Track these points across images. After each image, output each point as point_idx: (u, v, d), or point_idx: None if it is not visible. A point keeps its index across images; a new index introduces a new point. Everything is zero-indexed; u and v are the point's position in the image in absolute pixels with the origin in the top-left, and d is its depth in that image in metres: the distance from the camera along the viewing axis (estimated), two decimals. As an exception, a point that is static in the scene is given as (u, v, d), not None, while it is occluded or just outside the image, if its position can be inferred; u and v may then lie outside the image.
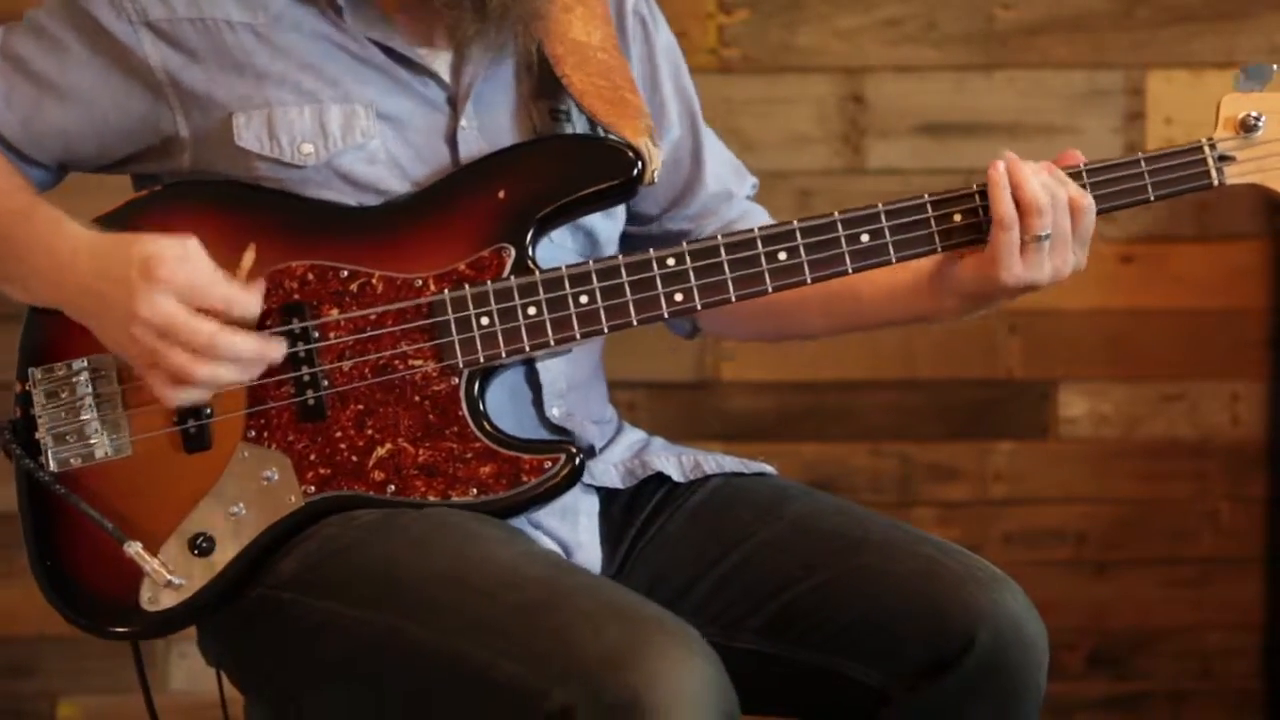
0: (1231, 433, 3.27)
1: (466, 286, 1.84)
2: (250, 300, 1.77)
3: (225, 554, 1.82)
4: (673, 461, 2.01)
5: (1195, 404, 3.26)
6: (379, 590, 1.74)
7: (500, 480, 1.83)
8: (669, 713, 1.57)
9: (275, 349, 1.79)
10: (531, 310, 1.84)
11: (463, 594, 1.69)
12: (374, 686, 1.74)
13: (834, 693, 1.85)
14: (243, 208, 1.86)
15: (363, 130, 1.87)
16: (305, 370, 1.84)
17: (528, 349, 1.84)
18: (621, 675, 1.57)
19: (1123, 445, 3.27)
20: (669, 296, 1.84)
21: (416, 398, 1.84)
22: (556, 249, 1.92)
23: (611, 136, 1.90)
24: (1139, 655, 3.31)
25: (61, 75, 1.89)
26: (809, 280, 1.85)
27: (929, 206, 1.86)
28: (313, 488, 1.83)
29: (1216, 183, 1.88)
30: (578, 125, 1.95)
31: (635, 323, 1.84)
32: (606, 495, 1.99)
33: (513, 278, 1.84)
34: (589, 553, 1.94)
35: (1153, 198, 1.88)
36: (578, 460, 1.84)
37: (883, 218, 1.86)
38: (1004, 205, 1.82)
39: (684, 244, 1.85)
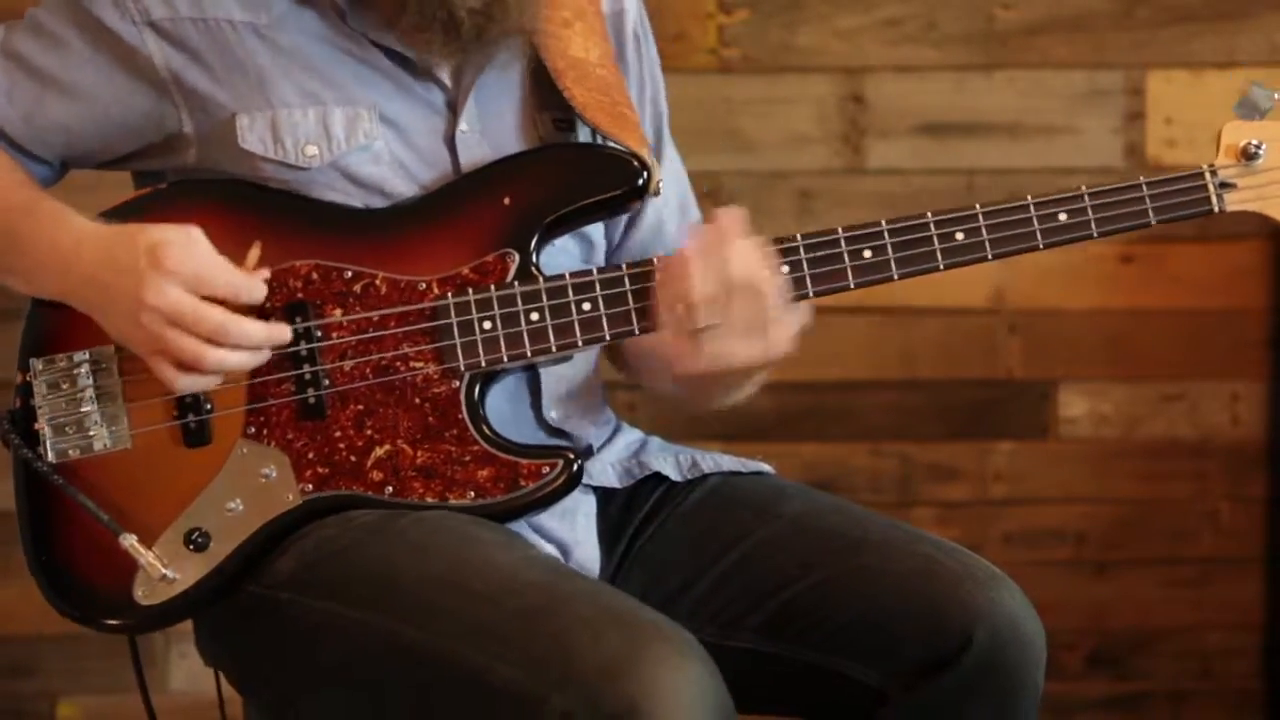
0: (1231, 433, 3.27)
1: (470, 290, 1.84)
2: (256, 286, 1.78)
3: (221, 550, 1.83)
4: (670, 461, 2.01)
5: (1195, 404, 3.26)
6: (377, 592, 1.74)
7: (498, 484, 1.83)
8: None
9: (282, 333, 1.80)
10: (534, 316, 1.84)
11: (461, 598, 1.69)
12: (371, 689, 1.74)
13: (832, 692, 1.85)
14: (248, 206, 1.86)
15: (366, 132, 1.88)
16: (306, 369, 1.84)
17: (530, 354, 1.85)
18: (620, 683, 1.57)
19: (1123, 445, 3.27)
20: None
21: (416, 399, 1.84)
22: (559, 255, 1.92)
23: (617, 146, 1.90)
24: (1139, 655, 3.31)
25: (63, 72, 1.89)
26: (811, 294, 1.85)
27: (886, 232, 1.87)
28: (310, 486, 1.83)
29: (1217, 209, 1.90)
30: (581, 136, 1.95)
31: (637, 331, 1.85)
32: (604, 495, 1.99)
33: (516, 283, 1.85)
34: (587, 552, 1.94)
35: (1153, 221, 1.89)
36: (575, 466, 1.84)
37: (886, 235, 1.86)
38: (669, 313, 1.80)
39: None
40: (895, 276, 1.86)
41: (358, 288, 1.85)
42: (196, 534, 1.82)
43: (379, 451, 1.84)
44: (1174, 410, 3.26)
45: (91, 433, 1.84)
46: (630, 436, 2.06)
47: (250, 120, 1.86)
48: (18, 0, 2.05)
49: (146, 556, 1.79)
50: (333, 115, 1.87)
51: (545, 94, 1.94)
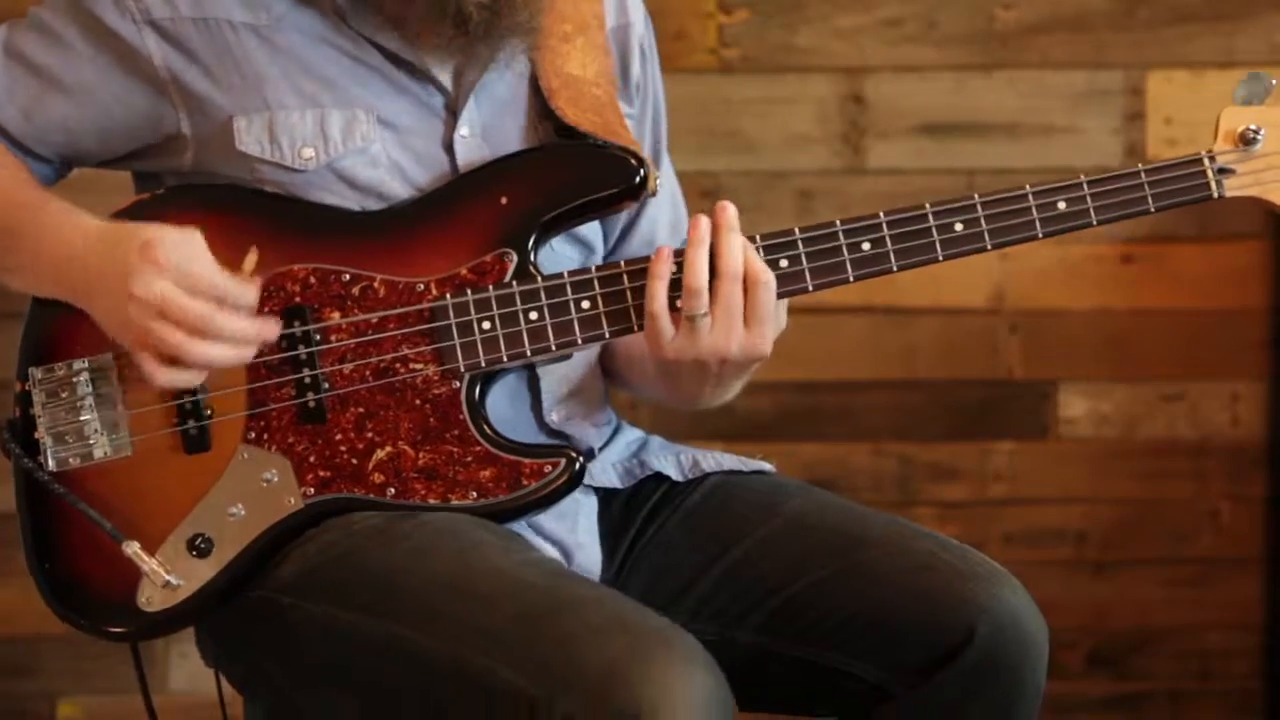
0: (1231, 433, 3.27)
1: (468, 291, 1.84)
2: (245, 290, 1.77)
3: (224, 555, 1.82)
4: (671, 460, 2.01)
5: (1195, 404, 3.26)
6: (379, 596, 1.74)
7: (500, 484, 1.83)
8: None
9: (270, 329, 1.79)
10: (533, 315, 1.84)
11: (464, 602, 1.69)
12: (374, 693, 1.74)
13: (834, 689, 1.85)
14: (246, 211, 1.86)
15: (363, 135, 1.87)
16: (306, 372, 1.84)
17: (529, 353, 1.84)
18: (624, 688, 1.57)
19: (1123, 445, 3.27)
20: (671, 301, 1.84)
21: (417, 401, 1.84)
22: (555, 256, 1.92)
23: (614, 145, 1.90)
24: (1139, 655, 3.31)
25: (64, 70, 1.89)
26: (810, 287, 1.85)
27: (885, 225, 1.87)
28: (312, 490, 1.83)
29: (1216, 195, 1.89)
30: None
31: (636, 328, 1.84)
32: (605, 495, 1.99)
33: (515, 283, 1.84)
34: (588, 553, 1.94)
35: (1153, 209, 1.88)
36: (577, 465, 1.84)
37: (884, 226, 1.86)
38: (657, 301, 1.81)
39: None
40: (894, 268, 1.86)
41: (356, 290, 1.84)
42: (199, 540, 1.82)
43: (380, 454, 1.84)
44: (1174, 410, 3.26)
45: (92, 441, 1.84)
46: (631, 436, 2.06)
47: (248, 122, 1.86)
48: (18, 4, 2.05)
49: (150, 563, 1.79)
50: (330, 117, 1.87)
51: (544, 103, 1.94)
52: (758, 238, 1.84)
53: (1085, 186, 1.87)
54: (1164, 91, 3.19)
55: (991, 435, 3.26)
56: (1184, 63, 3.19)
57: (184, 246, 1.75)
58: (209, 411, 1.83)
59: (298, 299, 1.84)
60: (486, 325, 1.84)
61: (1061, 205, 1.87)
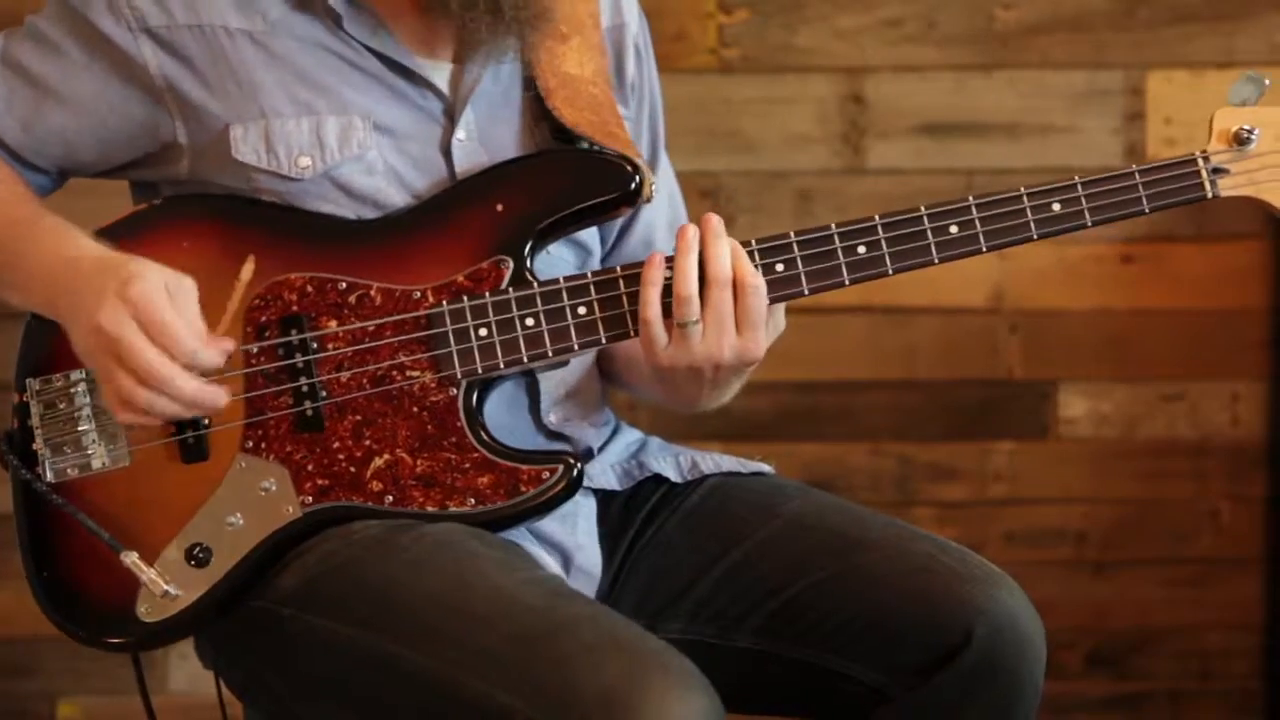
0: (1231, 433, 3.26)
1: (465, 298, 1.84)
2: (208, 354, 1.74)
3: (223, 564, 1.82)
4: (670, 462, 2.01)
5: (1195, 404, 3.26)
6: (377, 612, 1.74)
7: (498, 491, 1.83)
8: None
9: (216, 397, 1.76)
10: (529, 321, 1.84)
11: (461, 621, 1.69)
12: (370, 708, 1.74)
13: (832, 691, 1.85)
14: (242, 221, 1.86)
15: (359, 142, 1.87)
16: (303, 381, 1.84)
17: (525, 360, 1.84)
18: (620, 713, 1.57)
19: (1123, 445, 3.27)
20: (665, 307, 1.84)
21: (414, 408, 1.84)
22: (552, 259, 1.92)
23: (609, 151, 1.90)
24: (1139, 655, 3.31)
25: (61, 80, 1.89)
26: (806, 291, 1.85)
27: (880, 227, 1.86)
28: (310, 498, 1.83)
29: (1210, 195, 1.89)
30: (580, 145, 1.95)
31: (633, 334, 1.84)
32: (604, 497, 1.99)
33: (511, 289, 1.84)
34: (588, 554, 1.94)
35: (1147, 210, 1.88)
36: (575, 471, 1.84)
37: (879, 230, 1.86)
38: (650, 307, 1.81)
39: None
40: (890, 271, 1.86)
41: (353, 299, 1.84)
42: (198, 549, 1.82)
43: (378, 461, 1.84)
44: (1174, 410, 3.26)
45: (90, 451, 1.84)
46: (630, 437, 2.06)
47: (244, 131, 1.86)
48: (18, 6, 2.05)
49: (148, 573, 1.79)
50: (326, 124, 1.87)
51: (541, 106, 1.94)
52: (753, 242, 1.84)
53: (1080, 188, 1.87)
54: (1164, 91, 3.19)
55: (991, 435, 3.26)
56: (1184, 63, 3.18)
57: (165, 292, 1.73)
58: (206, 421, 1.83)
59: (295, 308, 1.84)
60: (483, 332, 1.84)
61: (1056, 207, 1.87)
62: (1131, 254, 3.22)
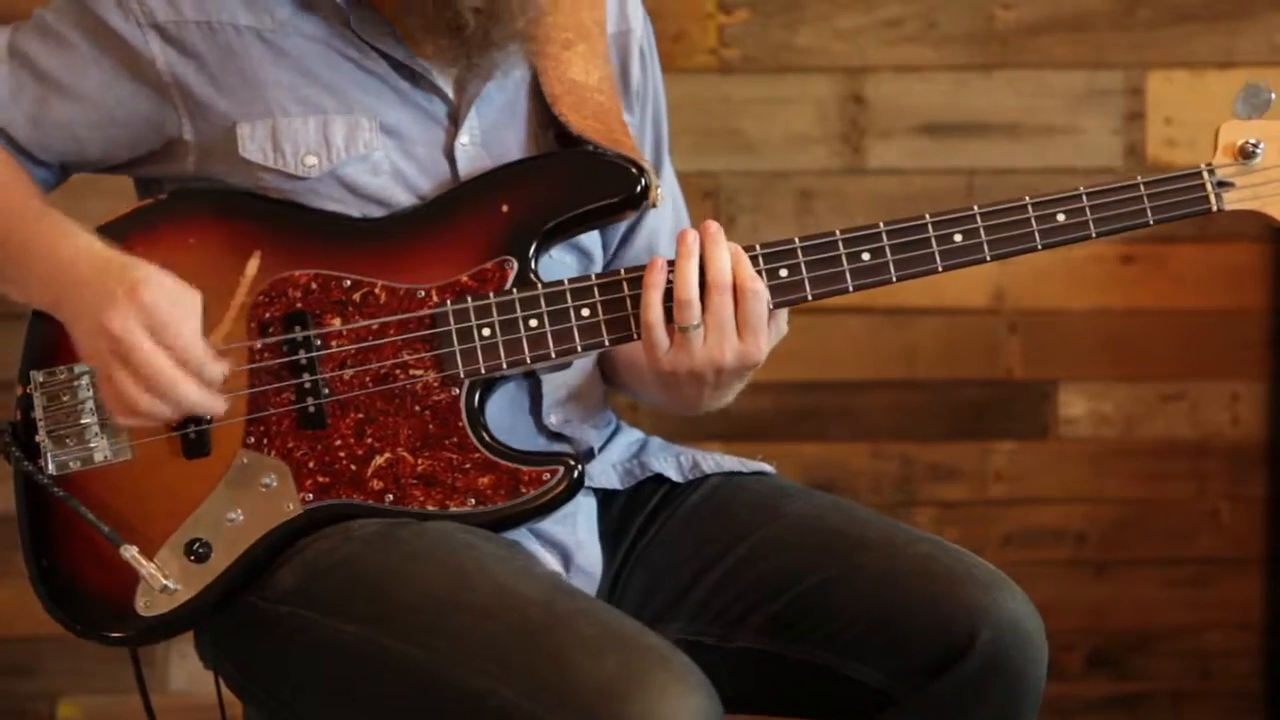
0: (1231, 433, 3.27)
1: (469, 298, 1.84)
2: (212, 366, 1.75)
3: (222, 560, 1.82)
4: (671, 462, 2.01)
5: (1195, 404, 3.26)
6: (376, 608, 1.74)
7: (499, 491, 1.83)
8: None
9: (216, 405, 1.78)
10: (533, 322, 1.84)
11: (460, 616, 1.69)
12: (371, 705, 1.74)
13: (833, 692, 1.85)
14: (247, 217, 1.86)
15: (366, 142, 1.87)
16: (306, 378, 1.84)
17: (529, 360, 1.84)
18: (618, 707, 1.57)
19: (1123, 445, 3.27)
20: (667, 311, 1.84)
21: (416, 407, 1.84)
22: (554, 264, 1.92)
23: (615, 153, 1.90)
24: (1139, 655, 3.31)
25: (68, 74, 1.89)
26: (810, 297, 1.85)
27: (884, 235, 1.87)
28: (311, 495, 1.83)
29: (1215, 208, 1.89)
30: None
31: (636, 337, 1.84)
32: (605, 496, 1.99)
33: (515, 290, 1.84)
34: (588, 553, 1.94)
35: (1151, 221, 1.89)
36: (576, 472, 1.84)
37: (884, 237, 1.86)
38: (651, 311, 1.82)
39: None
40: (894, 279, 1.86)
41: (357, 296, 1.85)
42: (197, 544, 1.82)
43: (379, 460, 1.84)
44: (1174, 410, 3.26)
45: (92, 444, 1.84)
46: (630, 437, 2.06)
47: (251, 129, 1.86)
48: (22, 1, 2.05)
49: (148, 568, 1.79)
50: (333, 124, 1.87)
51: (546, 112, 1.94)
52: (758, 247, 1.84)
53: (1084, 198, 1.88)
54: (1164, 91, 3.19)
55: (991, 435, 3.26)
56: (1184, 63, 3.18)
57: (174, 299, 1.74)
58: (209, 416, 1.83)
59: (299, 304, 1.84)
60: (486, 332, 1.84)
61: (1061, 217, 1.87)
62: (1132, 254, 3.22)
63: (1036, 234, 1.87)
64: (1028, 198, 1.87)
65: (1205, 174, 1.89)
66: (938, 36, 3.18)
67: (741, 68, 3.18)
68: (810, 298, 1.85)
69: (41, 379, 1.85)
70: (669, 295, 1.81)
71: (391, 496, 1.83)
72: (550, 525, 1.91)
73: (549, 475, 1.84)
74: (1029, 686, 1.81)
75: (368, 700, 1.74)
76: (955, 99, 3.19)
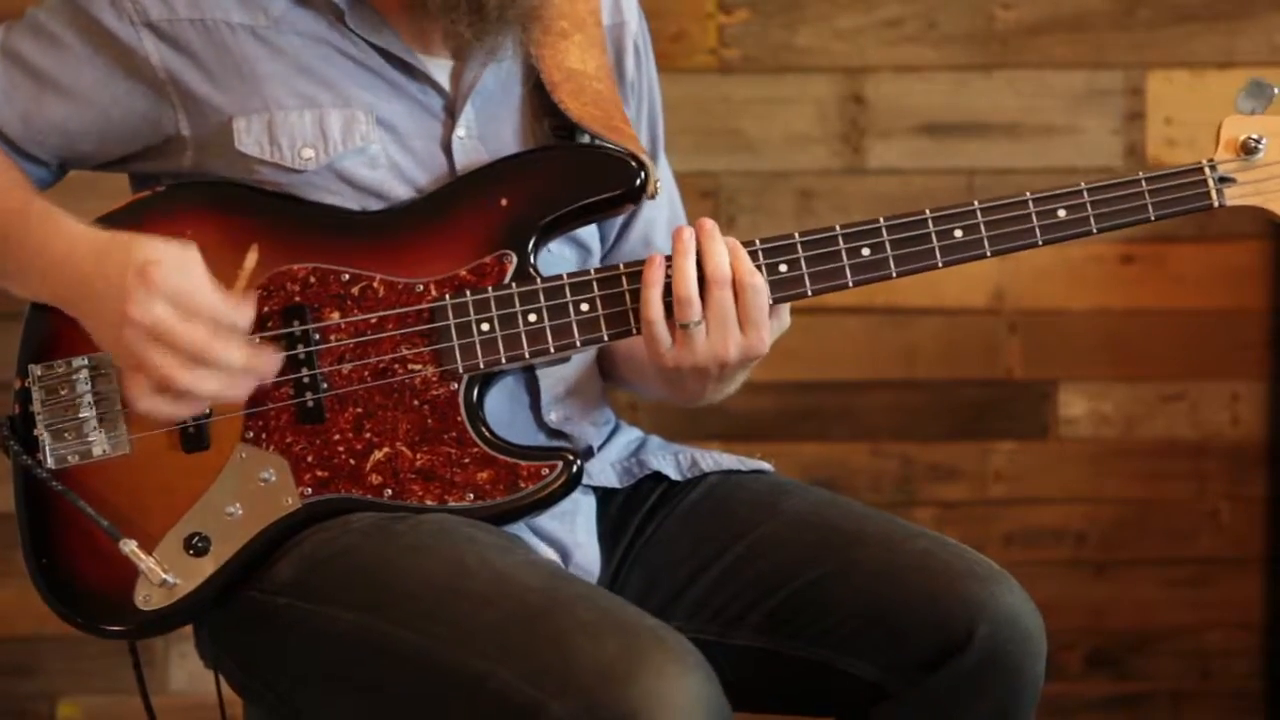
0: (1231, 433, 3.27)
1: (468, 292, 1.84)
2: (241, 311, 1.74)
3: (221, 554, 1.82)
4: (670, 460, 2.01)
5: (1195, 404, 3.26)
6: (375, 597, 1.74)
7: (498, 486, 1.83)
8: None
9: (267, 361, 1.76)
10: (532, 317, 1.84)
11: (460, 602, 1.69)
12: (371, 694, 1.74)
13: (832, 688, 1.85)
14: (246, 210, 1.86)
15: (362, 134, 1.87)
16: (305, 372, 1.84)
17: (528, 355, 1.84)
18: (618, 690, 1.57)
19: (1123, 445, 3.27)
20: (667, 307, 1.84)
21: (415, 402, 1.84)
22: (553, 258, 1.93)
23: (614, 147, 1.90)
24: (1139, 655, 3.31)
25: (62, 72, 1.89)
26: (810, 293, 1.85)
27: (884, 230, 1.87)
28: (310, 490, 1.83)
29: (1217, 204, 1.88)
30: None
31: (635, 331, 1.84)
32: (604, 495, 2.00)
33: (514, 284, 1.85)
34: (587, 552, 1.94)
35: (1153, 217, 1.88)
36: (575, 467, 1.84)
37: (884, 232, 1.86)
38: (652, 308, 1.82)
39: None
40: (894, 274, 1.86)
41: (355, 290, 1.85)
42: (196, 539, 1.82)
43: (378, 454, 1.84)
44: (1174, 410, 3.26)
45: (90, 438, 1.84)
46: (629, 435, 2.06)
47: (247, 123, 1.86)
48: (17, 1, 2.05)
49: (147, 562, 1.79)
50: (329, 117, 1.87)
51: (543, 103, 1.94)
52: (757, 242, 1.84)
53: (1085, 194, 1.87)
54: (1164, 91, 3.19)
55: (991, 435, 3.26)
56: (1184, 63, 3.19)
57: (181, 266, 1.73)
58: (208, 410, 1.82)
59: (297, 298, 1.84)
60: (485, 327, 1.84)
61: (1061, 213, 1.87)
62: (1132, 254, 3.22)
63: (1037, 229, 1.86)
64: (1028, 193, 1.87)
65: (1207, 169, 1.88)
66: (938, 36, 3.18)
67: (741, 68, 3.18)
68: (810, 293, 1.85)
69: (40, 372, 1.85)
70: (668, 291, 1.81)
71: (390, 491, 1.83)
72: (549, 522, 1.91)
73: (548, 470, 1.84)
74: (1027, 682, 1.81)
75: (367, 688, 1.73)
76: (955, 99, 3.19)
